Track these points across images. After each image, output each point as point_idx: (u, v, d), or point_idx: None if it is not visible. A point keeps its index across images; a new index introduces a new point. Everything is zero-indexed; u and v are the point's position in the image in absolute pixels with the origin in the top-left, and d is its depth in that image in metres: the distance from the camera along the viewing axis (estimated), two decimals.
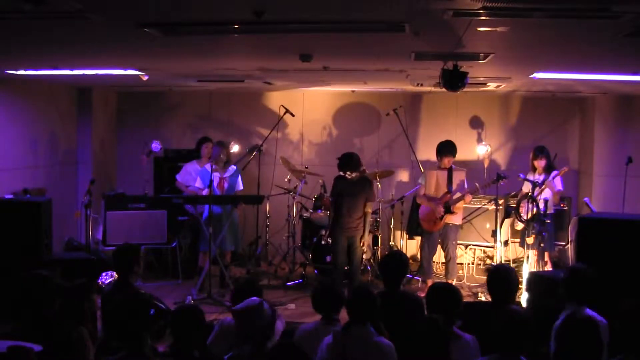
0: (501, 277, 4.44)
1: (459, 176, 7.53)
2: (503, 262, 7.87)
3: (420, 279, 7.95)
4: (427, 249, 7.70)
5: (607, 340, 3.59)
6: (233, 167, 7.80)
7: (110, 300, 4.76)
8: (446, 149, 7.53)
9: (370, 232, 8.27)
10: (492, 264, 8.23)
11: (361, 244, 7.13)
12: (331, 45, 4.90)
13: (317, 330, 4.20)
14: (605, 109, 8.82)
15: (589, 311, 3.99)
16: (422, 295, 6.29)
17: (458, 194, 7.43)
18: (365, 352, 3.80)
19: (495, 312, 4.02)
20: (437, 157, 7.62)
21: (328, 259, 7.79)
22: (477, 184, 7.52)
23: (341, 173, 7.03)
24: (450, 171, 7.53)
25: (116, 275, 7.13)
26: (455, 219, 7.54)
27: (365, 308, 3.95)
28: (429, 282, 7.66)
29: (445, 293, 4.13)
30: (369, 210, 7.19)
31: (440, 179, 7.54)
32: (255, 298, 3.83)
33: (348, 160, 6.99)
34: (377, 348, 3.81)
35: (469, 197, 7.57)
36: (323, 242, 7.86)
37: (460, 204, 7.50)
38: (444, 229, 7.56)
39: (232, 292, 4.77)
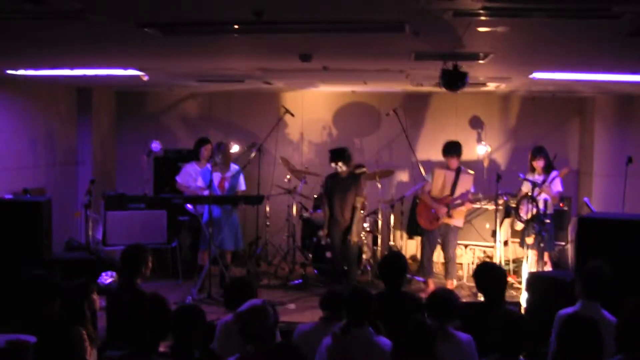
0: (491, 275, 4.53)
1: (465, 182, 7.48)
2: (502, 261, 7.90)
3: (421, 280, 7.94)
4: (428, 248, 7.70)
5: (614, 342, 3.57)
6: (236, 167, 7.79)
7: (116, 300, 4.77)
8: (449, 150, 7.52)
9: (370, 231, 8.31)
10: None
11: (349, 237, 7.26)
12: (331, 45, 4.90)
13: (316, 330, 4.20)
14: (605, 109, 8.82)
15: (604, 312, 4.00)
16: (424, 295, 6.31)
17: (459, 201, 7.42)
18: (364, 352, 3.80)
19: (491, 311, 4.05)
20: (444, 158, 7.63)
21: (328, 254, 7.84)
22: (480, 194, 7.61)
23: (333, 164, 7.27)
24: (457, 173, 7.51)
25: (116, 275, 7.17)
26: (456, 221, 7.54)
27: (364, 309, 3.96)
28: (430, 281, 7.67)
29: (443, 299, 4.14)
30: (358, 205, 7.34)
31: (447, 180, 7.52)
32: (257, 299, 3.84)
33: (341, 152, 7.32)
34: (376, 347, 3.82)
35: (469, 205, 7.57)
36: (323, 242, 7.87)
37: (461, 209, 7.49)
38: (445, 230, 7.55)
39: (224, 292, 4.76)
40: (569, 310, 4.02)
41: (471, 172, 7.66)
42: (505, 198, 7.59)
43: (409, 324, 3.42)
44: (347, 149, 7.45)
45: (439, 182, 7.55)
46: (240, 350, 3.74)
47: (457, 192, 7.44)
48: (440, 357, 3.49)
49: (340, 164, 7.23)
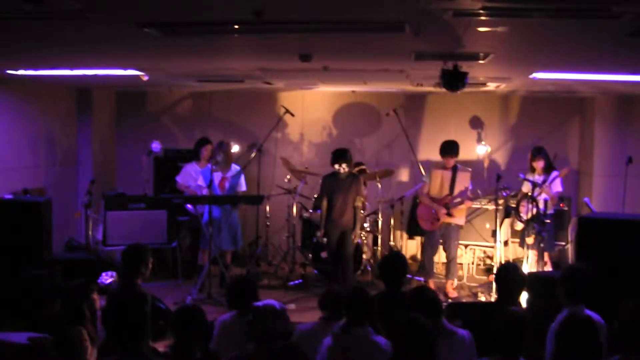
0: (508, 275, 4.49)
1: (463, 179, 7.49)
2: (504, 261, 7.88)
3: (421, 280, 7.94)
4: (429, 249, 7.70)
5: (605, 342, 3.57)
6: (236, 167, 7.79)
7: (111, 300, 4.77)
8: (445, 149, 7.52)
9: (370, 231, 8.31)
10: (492, 264, 8.22)
11: (352, 237, 7.27)
12: (331, 45, 4.89)
13: (316, 330, 4.21)
14: (605, 109, 8.82)
15: (588, 312, 3.99)
16: None
17: (459, 199, 7.42)
18: (364, 352, 3.80)
19: (499, 311, 4.02)
20: (441, 157, 7.63)
21: (323, 254, 7.84)
22: (479, 191, 7.59)
23: (336, 166, 7.24)
24: (454, 171, 7.51)
25: (116, 276, 7.18)
26: (457, 220, 7.54)
27: (364, 309, 3.96)
28: (431, 282, 7.67)
29: (428, 297, 4.13)
30: (359, 204, 7.35)
31: (444, 179, 7.52)
32: (275, 302, 3.87)
33: (342, 153, 7.29)
34: (376, 347, 3.82)
35: (469, 203, 7.56)
36: (320, 243, 7.87)
37: (461, 207, 7.49)
38: (447, 229, 7.55)
39: (227, 291, 4.78)
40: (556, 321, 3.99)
41: (468, 169, 7.67)
42: (504, 194, 7.57)
43: (405, 324, 3.41)
44: (348, 150, 7.44)
45: (437, 181, 7.56)
46: (237, 349, 3.74)
47: (456, 191, 7.45)
48: (443, 355, 3.49)
49: (343, 165, 7.23)
